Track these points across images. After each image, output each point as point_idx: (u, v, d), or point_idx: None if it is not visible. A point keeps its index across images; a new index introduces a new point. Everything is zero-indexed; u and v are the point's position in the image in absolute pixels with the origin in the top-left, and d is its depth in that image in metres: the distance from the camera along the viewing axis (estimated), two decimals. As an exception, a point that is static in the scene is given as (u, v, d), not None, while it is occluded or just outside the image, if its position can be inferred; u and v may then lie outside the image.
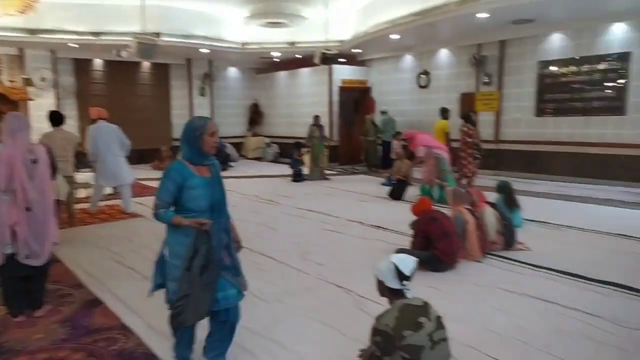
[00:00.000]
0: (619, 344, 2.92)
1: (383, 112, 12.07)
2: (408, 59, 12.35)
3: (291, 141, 14.02)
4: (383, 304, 3.61)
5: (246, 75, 15.26)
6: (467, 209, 4.69)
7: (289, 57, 13.64)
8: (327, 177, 10.53)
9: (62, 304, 3.80)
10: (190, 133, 2.56)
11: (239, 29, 12.25)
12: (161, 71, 13.47)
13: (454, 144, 8.65)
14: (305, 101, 13.89)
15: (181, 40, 11.14)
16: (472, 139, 8.08)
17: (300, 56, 13.31)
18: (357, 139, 12.79)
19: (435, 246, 4.21)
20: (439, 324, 2.33)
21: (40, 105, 10.10)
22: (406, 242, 5.27)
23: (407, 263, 2.48)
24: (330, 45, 11.32)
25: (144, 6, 8.89)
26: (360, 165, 12.60)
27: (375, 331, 2.31)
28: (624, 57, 8.42)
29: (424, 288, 3.82)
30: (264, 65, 14.93)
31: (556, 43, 9.39)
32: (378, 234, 5.75)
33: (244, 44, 12.49)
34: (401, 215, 6.71)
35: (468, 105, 10.72)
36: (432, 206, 4.55)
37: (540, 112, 9.69)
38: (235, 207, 7.68)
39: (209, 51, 12.20)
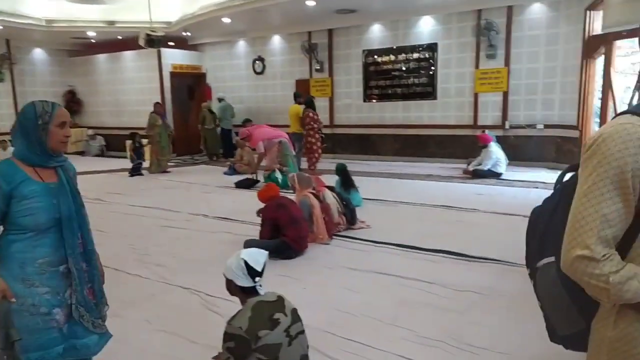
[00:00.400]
0: (453, 306, 3.22)
1: (220, 99, 11.68)
2: (242, 45, 12.12)
3: (120, 132, 12.79)
4: (235, 301, 3.43)
5: (56, 58, 13.24)
6: (312, 193, 4.73)
7: (109, 39, 12.22)
8: (168, 169, 9.76)
9: None
10: (29, 122, 1.87)
11: (44, 5, 10.50)
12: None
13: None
14: (131, 87, 12.65)
15: (13, 20, 9.09)
16: (317, 124, 8.33)
17: (121, 37, 12.02)
18: (194, 128, 12.16)
19: (284, 233, 4.15)
20: (295, 317, 2.24)
21: None
22: (254, 232, 5.13)
23: (257, 258, 2.31)
24: (155, 27, 10.43)
25: None
26: (200, 155, 12.04)
27: (228, 336, 2.10)
28: (432, 48, 9.49)
29: (274, 277, 3.72)
30: (78, 47, 13.13)
31: (377, 33, 10.14)
32: (224, 226, 5.49)
33: (49, 21, 10.76)
34: (247, 204, 6.55)
35: (304, 91, 11.00)
36: (279, 192, 4.45)
37: (367, 97, 10.41)
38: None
39: (1, 27, 10.19)
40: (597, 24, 7.47)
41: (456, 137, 9.29)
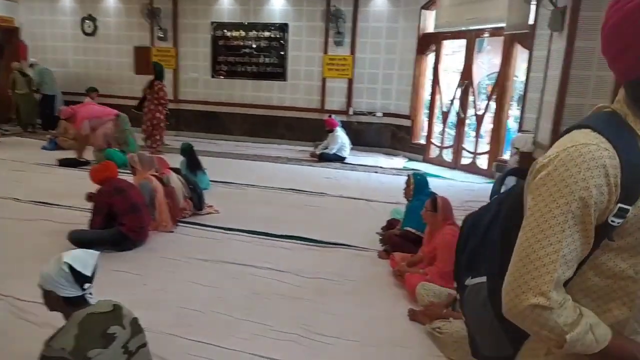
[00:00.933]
0: (306, 295, 3.19)
1: (32, 65, 9.90)
2: (67, 0, 10.44)
3: None
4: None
5: None
6: (155, 175, 4.26)
7: None
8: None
9: None
10: None
11: None
12: None
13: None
14: None
15: None
16: (166, 98, 7.70)
17: None
18: (3, 93, 10.16)
19: (121, 222, 3.65)
20: (136, 329, 1.92)
21: None
22: (83, 220, 4.48)
23: (86, 259, 1.91)
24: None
25: None
26: (11, 126, 10.13)
27: (46, 360, 1.71)
28: (283, 28, 9.41)
29: (109, 274, 3.26)
30: None
31: (227, 5, 9.65)
32: (43, 213, 4.65)
33: None
34: (74, 186, 5.73)
35: (144, 59, 10.00)
36: (117, 173, 3.86)
37: (215, 73, 9.91)
38: None
39: None
40: (429, 22, 8.21)
41: (304, 120, 9.42)
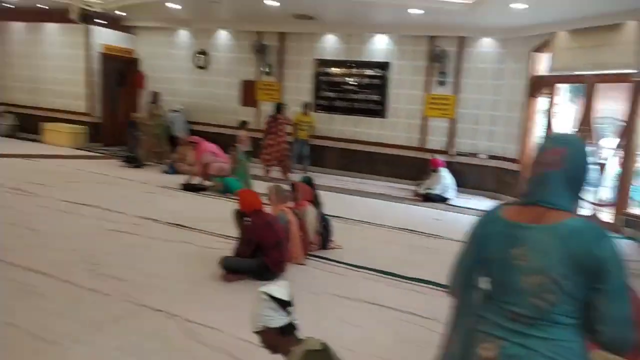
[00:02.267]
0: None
1: (175, 111, 10.35)
2: (183, 35, 11.36)
3: (35, 112, 11.37)
4: (220, 328, 3.07)
5: (-39, 19, 11.46)
6: (290, 207, 4.45)
7: (29, 6, 10.79)
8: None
9: None
10: None
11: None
12: None
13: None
14: (52, 64, 11.31)
15: None
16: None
17: (46, 7, 10.69)
18: (122, 117, 11.16)
19: (267, 254, 3.82)
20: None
21: None
22: (217, 243, 4.77)
23: (279, 288, 2.04)
24: (89, 2, 9.42)
25: None
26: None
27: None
28: (384, 66, 9.62)
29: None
30: (-9, 10, 11.47)
31: (330, 44, 10.06)
32: (181, 235, 4.99)
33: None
34: (200, 211, 6.13)
35: (250, 92, 10.62)
36: (261, 202, 4.06)
37: (316, 108, 10.27)
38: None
39: None
40: (540, 65, 8.05)
41: (404, 158, 9.46)
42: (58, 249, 4.28)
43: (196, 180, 7.34)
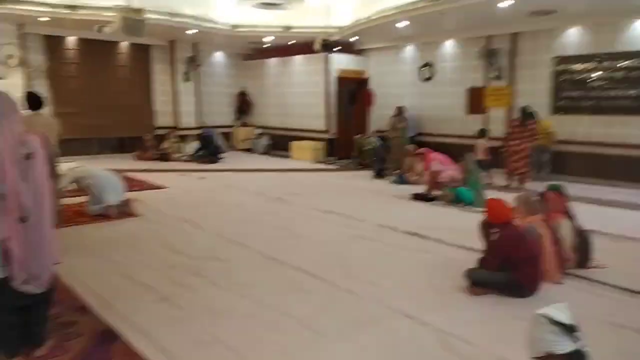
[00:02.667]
0: None
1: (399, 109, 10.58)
2: (409, 50, 11.70)
3: (284, 132, 13.29)
4: (475, 342, 2.97)
5: (233, 61, 14.25)
6: (541, 219, 4.06)
7: (281, 43, 12.74)
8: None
9: (67, 338, 2.99)
10: None
11: (230, 11, 11.26)
12: (141, 53, 12.29)
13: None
14: (297, 91, 13.06)
15: (167, 19, 10.07)
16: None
17: (294, 42, 12.45)
18: (354, 133, 12.13)
19: (518, 269, 3.55)
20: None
21: (8, 85, 8.89)
22: (452, 252, 4.69)
23: (559, 310, 1.83)
24: (329, 32, 10.54)
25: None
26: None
27: None
28: (648, 55, 8.04)
29: (512, 321, 3.19)
30: (251, 51, 13.96)
31: (573, 38, 8.94)
32: (418, 244, 5.08)
33: (234, 26, 11.51)
34: (434, 220, 6.13)
35: (476, 100, 10.25)
36: (511, 212, 3.81)
37: (555, 110, 9.24)
38: (240, 206, 6.98)
39: (196, 31, 11.14)
40: None
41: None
42: (316, 251, 4.84)
43: (425, 189, 7.40)
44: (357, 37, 11.69)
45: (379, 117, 11.97)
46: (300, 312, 3.39)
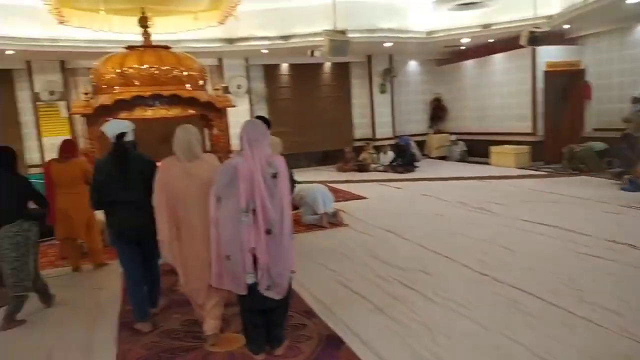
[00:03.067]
0: None
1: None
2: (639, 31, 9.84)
3: (481, 137, 12.58)
4: None
5: (426, 68, 14.15)
6: None
7: (478, 44, 12.12)
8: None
9: (299, 339, 3.29)
10: None
11: (424, 17, 11.21)
12: (342, 70, 13.16)
13: None
14: (498, 91, 12.20)
15: (366, 35, 10.54)
16: None
17: (492, 40, 11.70)
18: (566, 133, 10.75)
19: None
20: None
21: (236, 111, 10.46)
22: None
23: None
24: (538, 23, 9.56)
25: (334, 3, 8.43)
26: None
27: None
28: None
29: None
30: (446, 56, 13.64)
31: None
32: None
33: (429, 32, 11.40)
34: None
35: None
36: None
37: None
38: (441, 216, 6.83)
39: (392, 44, 11.41)
40: None
41: None
42: (531, 268, 4.40)
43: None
44: (568, 25, 10.36)
45: (599, 112, 10.38)
46: (528, 339, 3.08)
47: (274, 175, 2.86)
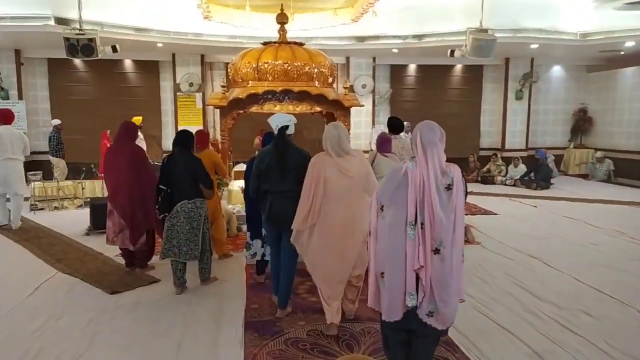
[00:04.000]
0: None
1: None
2: None
3: (634, 156, 10.88)
4: None
5: (573, 74, 12.61)
6: None
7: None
8: None
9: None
10: None
11: (579, 17, 9.91)
12: (474, 73, 12.24)
13: None
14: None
15: (509, 35, 9.59)
16: None
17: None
18: None
19: None
20: None
21: (357, 111, 10.20)
22: None
23: None
24: None
25: (482, 0, 7.71)
26: None
27: None
28: None
29: None
30: (600, 62, 12.02)
31: None
32: None
33: (583, 34, 10.07)
34: None
35: None
36: None
37: None
38: (593, 246, 5.87)
39: (537, 46, 10.28)
40: None
41: None
42: None
43: None
44: None
45: None
46: None
47: (449, 187, 2.39)
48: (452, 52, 8.04)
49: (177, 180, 4.12)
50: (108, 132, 9.87)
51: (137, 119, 9.64)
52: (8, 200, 6.72)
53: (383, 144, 4.87)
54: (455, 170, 2.43)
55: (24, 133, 9.52)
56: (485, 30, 7.68)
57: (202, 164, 4.30)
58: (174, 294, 4.21)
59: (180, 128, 11.03)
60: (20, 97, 10.44)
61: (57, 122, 9.22)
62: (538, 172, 10.55)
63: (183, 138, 4.28)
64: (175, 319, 3.73)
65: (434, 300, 2.42)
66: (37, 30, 8.42)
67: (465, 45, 7.43)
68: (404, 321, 2.50)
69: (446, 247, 2.38)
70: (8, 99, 10.27)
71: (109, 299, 4.11)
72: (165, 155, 4.32)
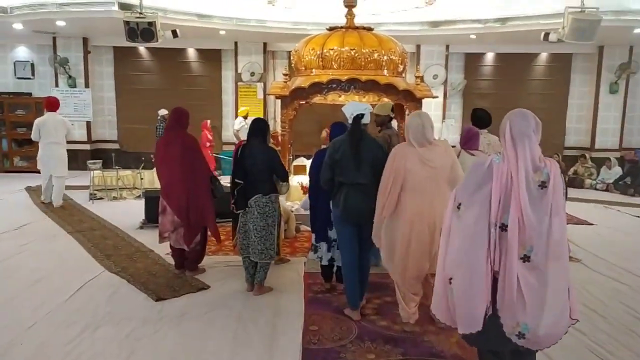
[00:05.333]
0: None
1: None
2: None
3: None
4: None
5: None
6: None
7: None
8: None
9: None
10: None
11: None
12: (561, 63, 10.92)
13: None
14: None
15: (611, 18, 8.27)
16: None
17: None
18: None
19: None
20: None
21: (427, 103, 9.34)
22: None
23: None
24: None
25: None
26: None
27: None
28: None
29: None
30: None
31: None
32: None
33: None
34: None
35: None
36: None
37: None
38: None
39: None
40: None
41: None
42: None
43: None
44: None
45: None
46: None
47: (542, 185, 2.04)
48: (547, 35, 7.01)
49: (253, 172, 3.81)
50: (208, 122, 9.79)
51: (243, 111, 9.65)
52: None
53: (470, 139, 4.10)
54: (553, 166, 2.05)
55: (88, 121, 9.51)
56: (584, 11, 6.61)
57: (279, 155, 4.07)
58: (223, 305, 3.72)
59: (238, 119, 10.79)
60: (86, 85, 10.51)
61: (164, 112, 9.00)
62: (635, 175, 9.23)
63: (261, 127, 3.94)
64: (224, 338, 3.22)
65: (524, 318, 2.03)
66: (100, 16, 8.31)
67: (563, 27, 6.40)
68: (493, 343, 2.16)
69: (538, 255, 2.02)
70: (75, 87, 10.37)
71: (153, 307, 3.68)
72: (242, 144, 3.94)
